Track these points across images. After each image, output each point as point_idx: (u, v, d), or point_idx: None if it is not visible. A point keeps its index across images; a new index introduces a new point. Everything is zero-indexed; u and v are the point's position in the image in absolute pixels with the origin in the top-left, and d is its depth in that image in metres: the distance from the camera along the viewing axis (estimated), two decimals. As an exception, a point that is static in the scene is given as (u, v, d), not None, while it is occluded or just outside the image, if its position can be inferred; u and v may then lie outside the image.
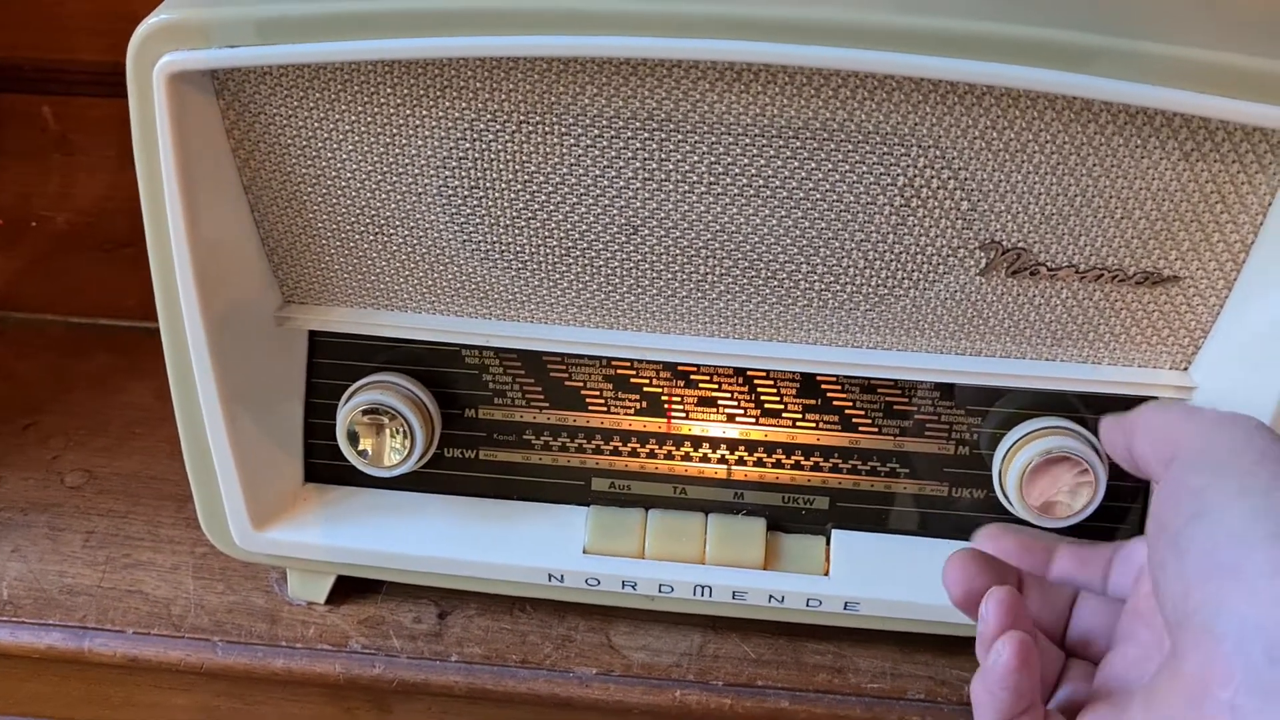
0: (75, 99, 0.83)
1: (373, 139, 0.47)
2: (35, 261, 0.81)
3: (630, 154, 0.47)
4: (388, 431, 0.53)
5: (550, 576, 0.55)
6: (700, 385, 0.54)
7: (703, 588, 0.54)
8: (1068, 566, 0.47)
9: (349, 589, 0.59)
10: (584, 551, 0.55)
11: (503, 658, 0.57)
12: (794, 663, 0.57)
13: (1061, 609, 0.45)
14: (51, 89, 0.83)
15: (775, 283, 0.50)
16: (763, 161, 0.46)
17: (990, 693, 0.40)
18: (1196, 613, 0.35)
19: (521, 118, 0.46)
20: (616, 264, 0.50)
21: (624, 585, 0.55)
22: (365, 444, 0.53)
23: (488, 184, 0.48)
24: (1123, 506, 0.53)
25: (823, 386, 0.53)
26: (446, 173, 0.48)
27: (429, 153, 0.48)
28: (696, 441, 0.55)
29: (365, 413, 0.52)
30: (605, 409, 0.55)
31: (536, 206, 0.48)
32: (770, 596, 0.54)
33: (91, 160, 0.82)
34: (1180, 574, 0.36)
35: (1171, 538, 0.37)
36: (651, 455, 0.55)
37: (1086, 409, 0.52)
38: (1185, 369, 0.51)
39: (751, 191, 0.47)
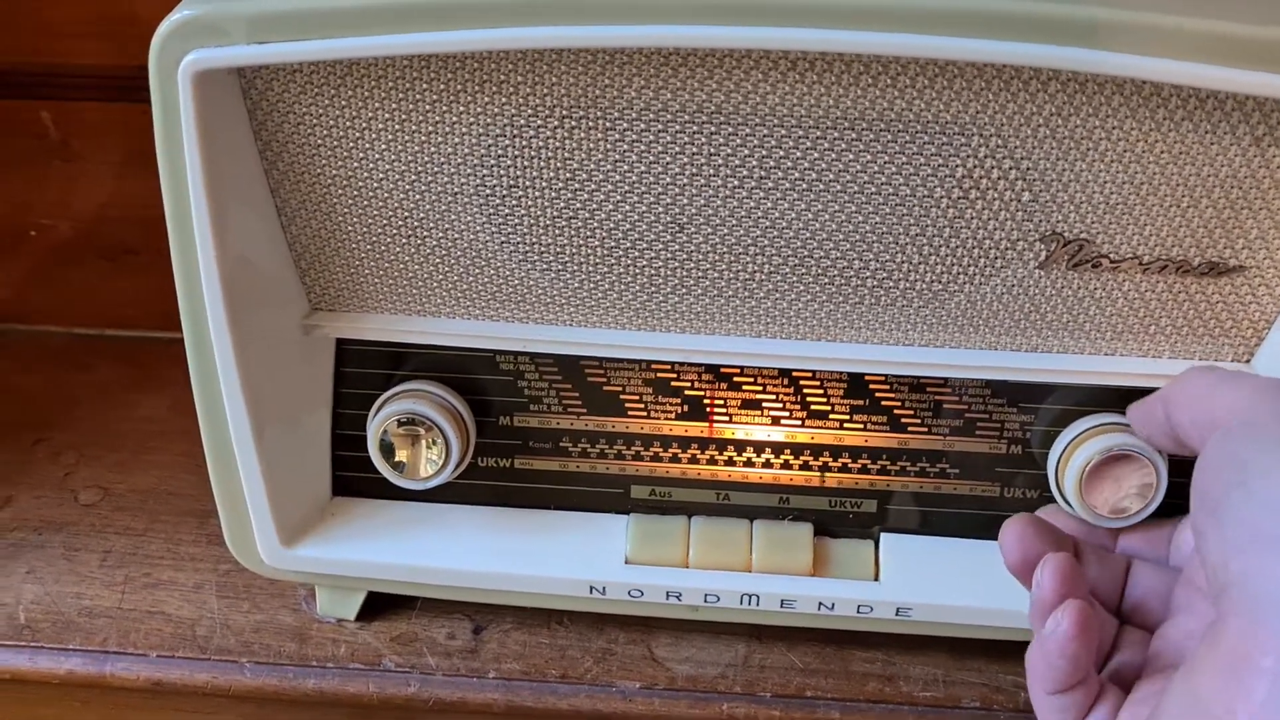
0: (74, 104, 0.80)
1: (407, 138, 0.45)
2: (37, 272, 0.79)
3: (677, 149, 0.45)
4: (423, 442, 0.51)
5: (591, 589, 0.53)
6: (744, 387, 0.52)
7: (750, 596, 0.53)
8: (1133, 542, 0.47)
9: (380, 605, 0.57)
10: (626, 562, 0.53)
11: (542, 673, 0.55)
12: (843, 672, 0.55)
13: (1118, 576, 0.45)
14: (49, 94, 0.80)
15: (825, 280, 0.48)
16: (815, 154, 0.45)
17: (1048, 662, 0.39)
18: (1236, 582, 0.34)
19: (564, 112, 0.44)
20: (660, 264, 0.48)
21: (668, 596, 0.53)
22: (400, 455, 0.51)
23: (527, 182, 0.46)
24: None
25: (871, 386, 0.52)
26: (484, 171, 0.46)
27: (466, 151, 0.46)
28: (740, 446, 0.53)
29: (401, 423, 0.50)
30: (645, 414, 0.53)
31: (578, 205, 0.47)
32: (820, 604, 0.52)
33: (93, 166, 0.80)
34: (1220, 543, 0.35)
35: (1211, 507, 0.36)
36: (693, 461, 0.54)
37: (1144, 404, 0.50)
38: (1247, 361, 0.49)
39: (803, 185, 0.45)
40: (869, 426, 0.52)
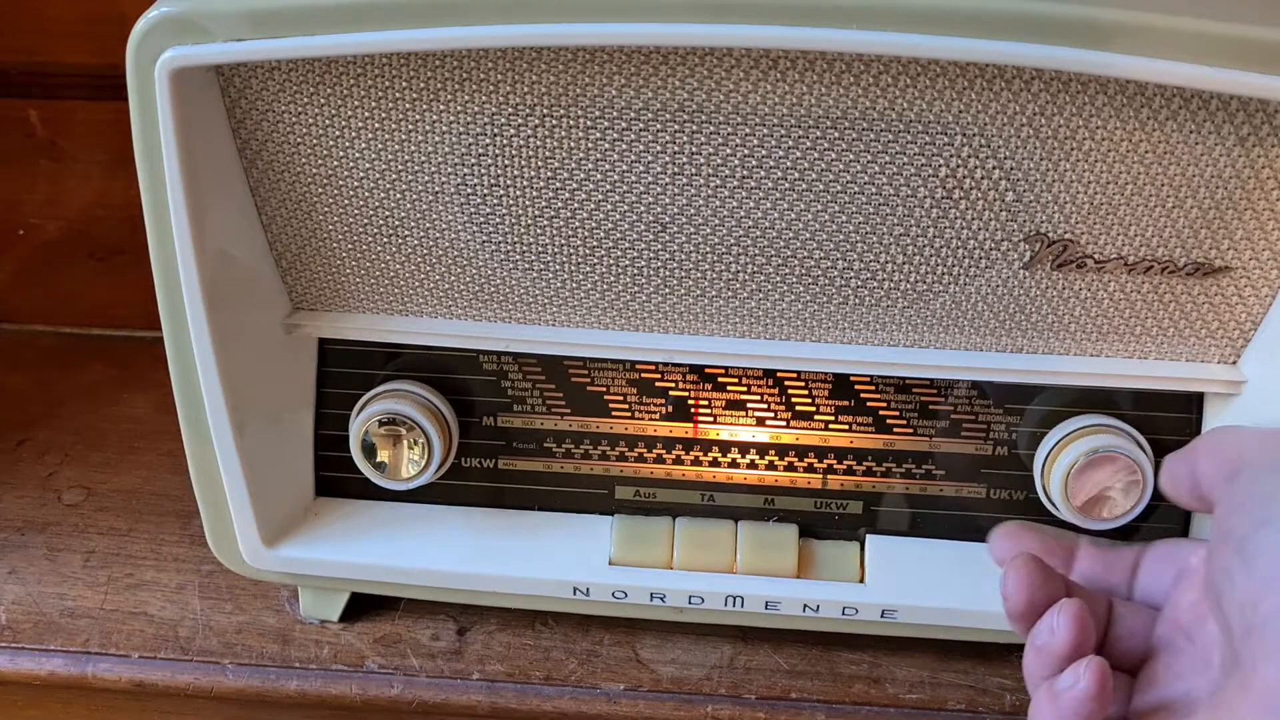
0: (63, 103, 0.80)
1: (387, 136, 0.45)
2: (25, 271, 0.78)
3: (659, 147, 0.45)
4: (405, 442, 0.50)
5: (575, 590, 0.53)
6: (729, 388, 0.52)
7: (734, 598, 0.52)
8: (1090, 568, 0.46)
9: (364, 606, 0.57)
10: (610, 563, 0.53)
11: (526, 675, 0.55)
12: (829, 674, 0.55)
13: (1101, 617, 0.43)
14: (38, 93, 0.80)
15: (809, 280, 0.48)
16: (798, 154, 0.44)
17: (1060, 717, 0.38)
18: (1268, 621, 0.33)
19: (544, 111, 0.44)
20: (643, 263, 0.48)
21: (652, 597, 0.53)
22: (382, 456, 0.51)
23: (508, 181, 0.46)
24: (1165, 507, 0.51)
25: (856, 387, 0.51)
26: (465, 170, 0.46)
27: (446, 149, 0.45)
28: (725, 446, 0.53)
29: (382, 423, 0.50)
30: (629, 414, 0.53)
31: (560, 204, 0.46)
32: (805, 606, 0.52)
33: (81, 166, 0.80)
34: (1249, 582, 0.34)
35: (1239, 545, 0.35)
36: (678, 461, 0.53)
37: (1130, 405, 0.50)
38: (1234, 362, 0.49)
39: (786, 185, 0.45)
40: (854, 427, 0.52)
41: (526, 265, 0.48)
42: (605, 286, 0.49)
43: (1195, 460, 0.41)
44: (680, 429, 0.53)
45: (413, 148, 0.45)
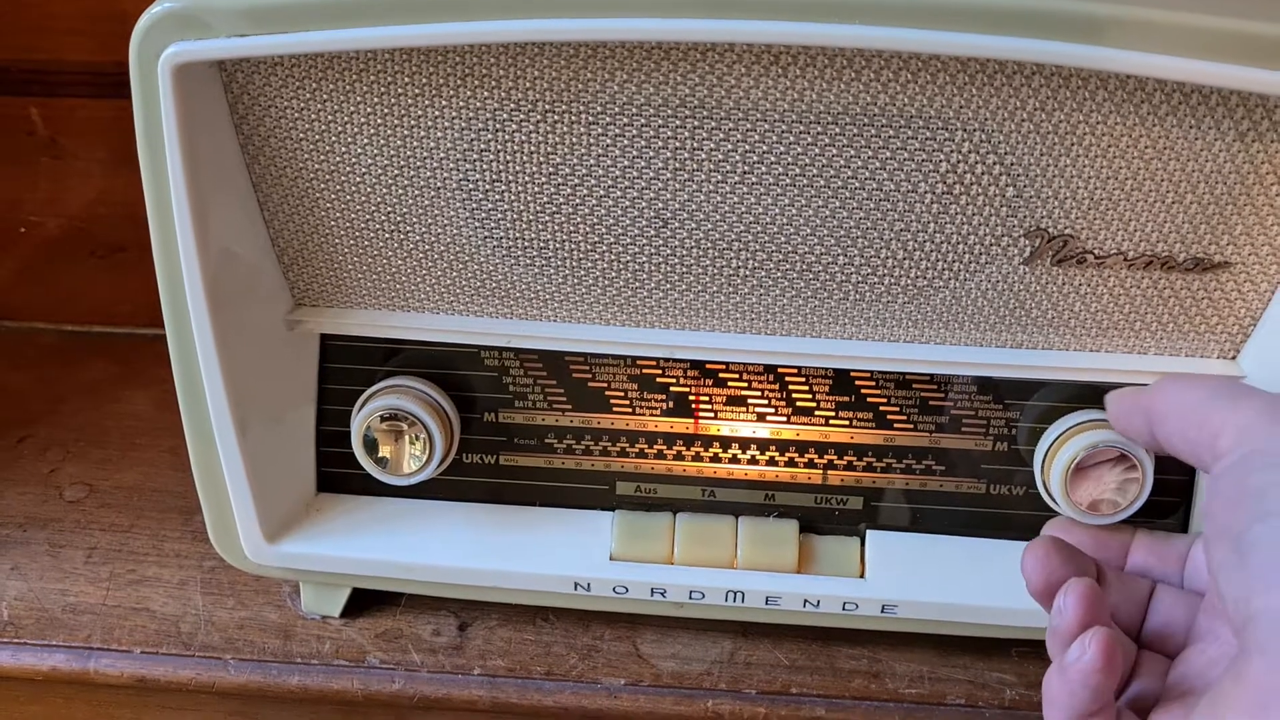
0: (63, 101, 0.80)
1: (389, 132, 0.45)
2: (26, 269, 0.79)
3: (660, 143, 0.45)
4: (406, 438, 0.50)
5: (576, 585, 0.53)
6: (729, 384, 0.52)
7: (735, 593, 0.52)
8: (1144, 558, 0.46)
9: (365, 602, 0.57)
10: (610, 558, 0.53)
11: (527, 670, 0.55)
12: (828, 668, 0.55)
13: (1140, 601, 0.44)
14: (39, 91, 0.80)
15: (810, 276, 0.48)
16: (799, 149, 0.44)
17: (1068, 690, 0.38)
18: (1260, 618, 0.33)
19: (546, 107, 0.44)
20: (644, 259, 0.48)
21: (653, 592, 0.53)
22: (383, 451, 0.51)
23: (510, 177, 0.46)
24: (1170, 500, 0.51)
25: (857, 383, 0.52)
26: (467, 166, 0.46)
27: (448, 145, 0.45)
28: (726, 442, 0.53)
29: (384, 419, 0.50)
30: (630, 410, 0.53)
31: (561, 200, 0.46)
32: (805, 601, 0.52)
33: (82, 163, 0.80)
34: (1244, 579, 0.34)
35: (1233, 541, 0.35)
36: (679, 457, 0.53)
37: (1130, 401, 0.50)
38: (1233, 358, 0.49)
39: (787, 181, 0.45)
40: (855, 423, 0.52)
41: (528, 261, 0.48)
42: (606, 282, 0.49)
43: (1155, 421, 0.40)
44: (681, 424, 0.53)
45: (415, 143, 0.45)
